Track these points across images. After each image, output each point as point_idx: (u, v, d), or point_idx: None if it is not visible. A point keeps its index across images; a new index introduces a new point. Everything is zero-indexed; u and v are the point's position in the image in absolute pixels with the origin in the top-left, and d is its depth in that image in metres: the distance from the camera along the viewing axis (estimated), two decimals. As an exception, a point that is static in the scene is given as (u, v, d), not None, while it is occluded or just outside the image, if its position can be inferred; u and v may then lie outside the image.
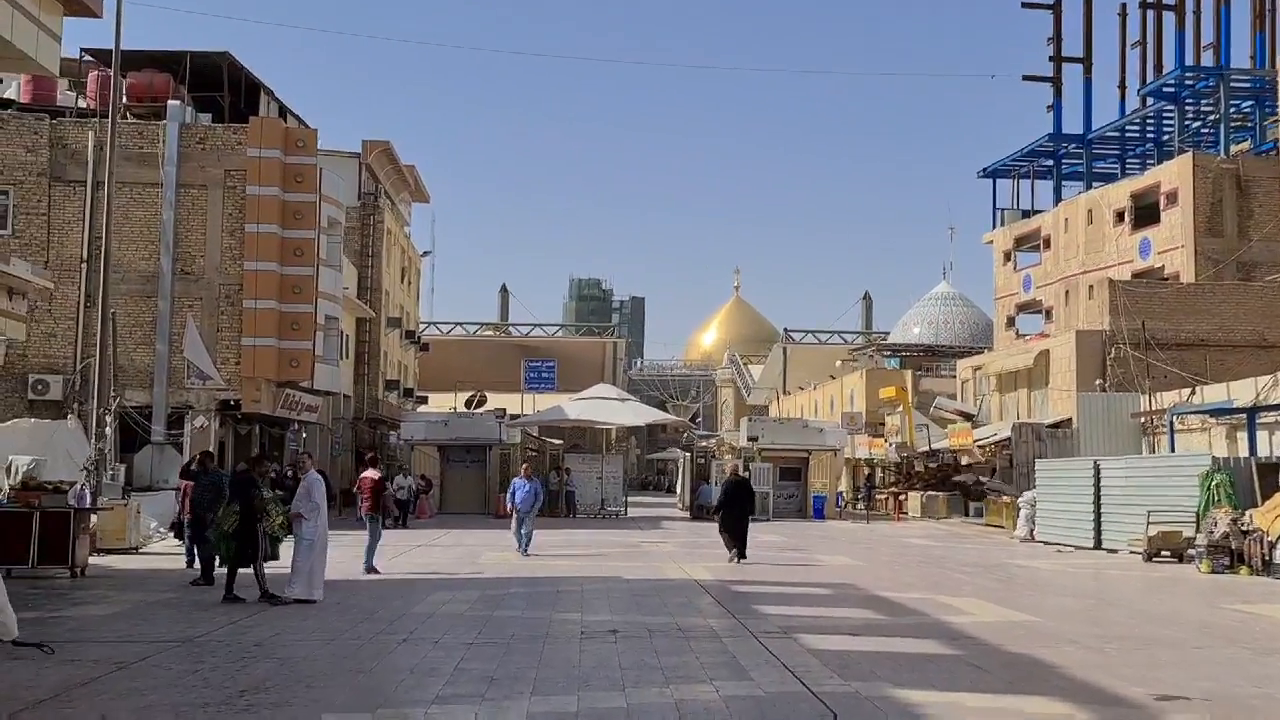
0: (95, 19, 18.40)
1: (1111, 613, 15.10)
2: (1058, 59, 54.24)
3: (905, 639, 11.94)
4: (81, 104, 36.33)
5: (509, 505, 22.87)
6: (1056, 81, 54.32)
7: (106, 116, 32.24)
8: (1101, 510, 27.13)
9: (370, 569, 18.71)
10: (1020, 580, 19.78)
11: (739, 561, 21.06)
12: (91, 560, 21.13)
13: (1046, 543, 28.59)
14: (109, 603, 14.59)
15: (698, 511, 39.41)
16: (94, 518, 22.34)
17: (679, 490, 51.88)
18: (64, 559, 17.53)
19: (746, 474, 30.25)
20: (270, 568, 14.99)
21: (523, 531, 22.66)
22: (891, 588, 17.32)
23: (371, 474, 19.74)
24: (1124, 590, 18.10)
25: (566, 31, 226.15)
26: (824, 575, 19.71)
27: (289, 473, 18.20)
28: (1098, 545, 26.67)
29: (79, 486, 18.59)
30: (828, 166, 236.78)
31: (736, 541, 21.48)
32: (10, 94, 38.20)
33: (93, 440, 25.54)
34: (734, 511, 21.73)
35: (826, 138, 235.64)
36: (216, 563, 15.83)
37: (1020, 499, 32.15)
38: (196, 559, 18.03)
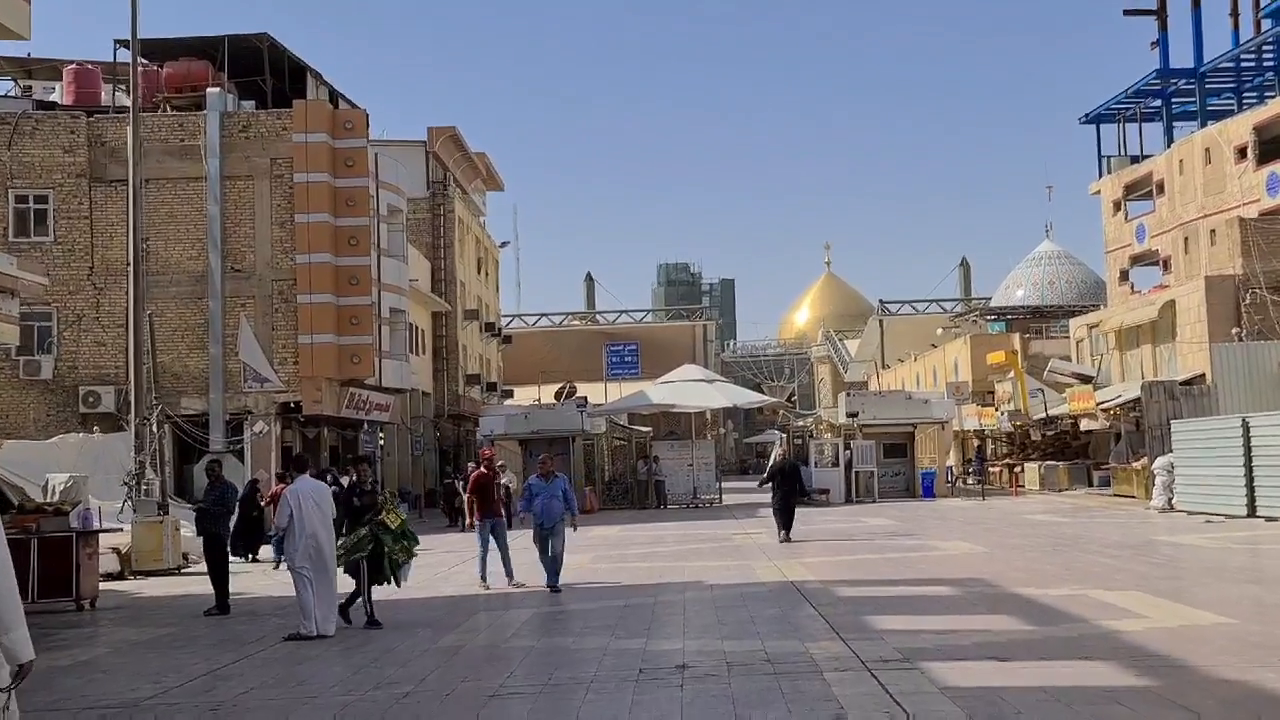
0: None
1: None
2: (1162, -12, 50.00)
3: (1069, 662, 8.98)
4: (123, 100, 34.54)
5: (522, 513, 16.84)
6: (1161, 14, 49.96)
7: (146, 110, 30.44)
8: (1254, 474, 24.11)
9: (482, 581, 16.28)
10: (1182, 563, 16.65)
11: (786, 540, 21.95)
12: (121, 586, 19.19)
13: (1190, 512, 25.60)
14: (92, 644, 12.29)
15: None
16: (125, 538, 20.49)
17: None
18: (68, 590, 15.33)
19: (795, 458, 31.20)
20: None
21: (549, 553, 15.70)
22: (1029, 581, 14.35)
23: (473, 468, 17.00)
24: (1314, 571, 14.99)
25: (639, 7, 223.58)
26: (945, 568, 16.82)
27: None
28: (1252, 513, 23.85)
29: (82, 506, 16.37)
30: (915, 130, 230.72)
31: (784, 521, 22.50)
32: (54, 97, 36.68)
33: (132, 453, 23.63)
34: (781, 492, 22.88)
35: (911, 100, 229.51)
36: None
37: (1155, 465, 28.91)
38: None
